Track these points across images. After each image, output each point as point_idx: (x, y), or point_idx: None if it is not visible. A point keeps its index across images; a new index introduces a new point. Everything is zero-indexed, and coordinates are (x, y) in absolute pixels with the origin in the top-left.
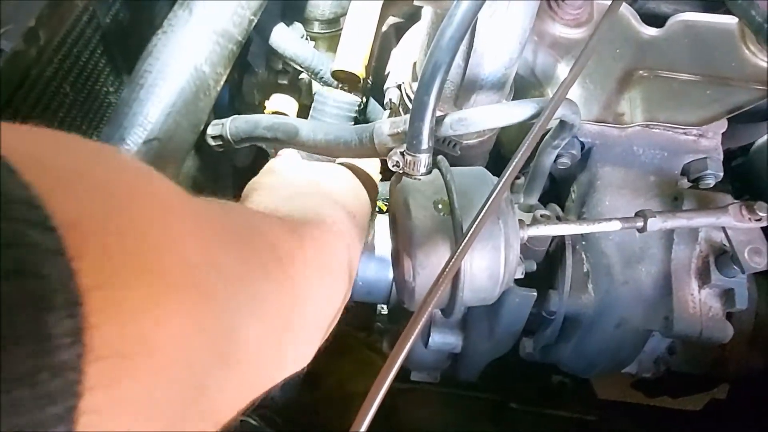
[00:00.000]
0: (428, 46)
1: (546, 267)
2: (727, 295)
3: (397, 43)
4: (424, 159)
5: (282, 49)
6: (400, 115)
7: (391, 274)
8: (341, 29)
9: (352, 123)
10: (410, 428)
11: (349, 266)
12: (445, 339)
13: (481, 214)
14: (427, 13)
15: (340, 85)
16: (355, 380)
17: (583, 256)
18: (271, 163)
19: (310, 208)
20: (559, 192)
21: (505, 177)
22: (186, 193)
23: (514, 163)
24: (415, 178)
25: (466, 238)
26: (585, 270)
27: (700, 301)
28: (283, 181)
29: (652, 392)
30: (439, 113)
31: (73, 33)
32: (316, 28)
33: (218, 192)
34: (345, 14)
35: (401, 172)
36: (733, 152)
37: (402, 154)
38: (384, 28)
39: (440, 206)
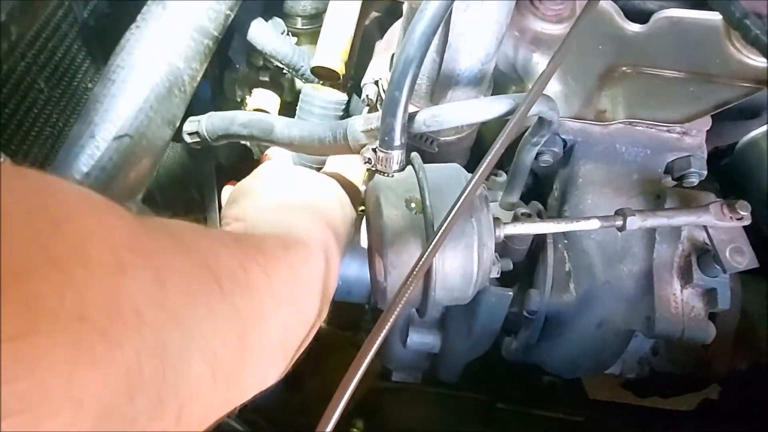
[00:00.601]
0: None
1: (527, 265)
2: (710, 295)
3: (380, 39)
4: (397, 156)
5: (261, 46)
6: (377, 109)
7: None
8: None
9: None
10: (396, 428)
11: (323, 287)
12: (423, 339)
13: (453, 211)
14: (404, 8)
15: (320, 82)
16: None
17: (565, 254)
18: (262, 168)
19: (294, 223)
20: (541, 189)
21: (478, 174)
22: (129, 218)
23: (487, 160)
24: (387, 176)
25: (437, 236)
26: (567, 269)
27: (682, 301)
28: (271, 189)
29: (642, 392)
30: (414, 109)
31: (47, 28)
32: (299, 24)
33: (202, 190)
34: (326, 10)
35: (374, 169)
36: (722, 151)
37: (374, 150)
38: (366, 22)
39: (412, 204)
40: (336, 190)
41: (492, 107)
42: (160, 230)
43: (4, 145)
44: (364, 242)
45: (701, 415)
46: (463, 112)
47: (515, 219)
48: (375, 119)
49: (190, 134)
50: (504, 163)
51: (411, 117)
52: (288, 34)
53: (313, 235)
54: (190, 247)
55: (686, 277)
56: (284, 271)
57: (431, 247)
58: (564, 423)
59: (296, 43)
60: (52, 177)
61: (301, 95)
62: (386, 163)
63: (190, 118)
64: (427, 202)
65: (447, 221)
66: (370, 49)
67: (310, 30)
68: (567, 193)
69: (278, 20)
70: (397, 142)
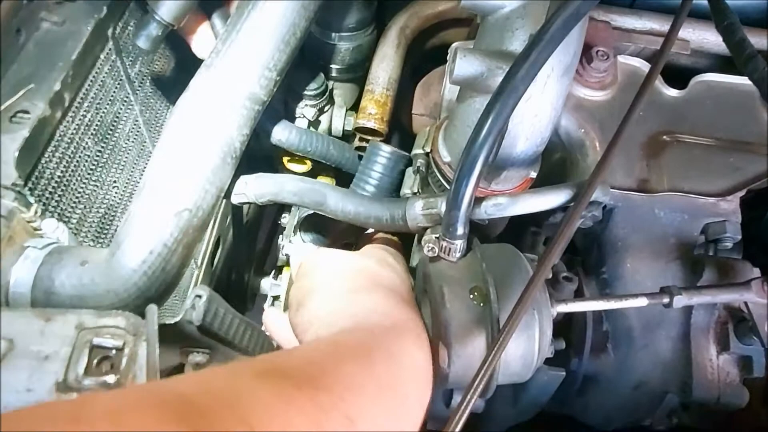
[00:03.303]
0: (454, 117)
1: (566, 323)
2: (745, 362)
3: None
4: (460, 245)
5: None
6: (428, 181)
7: None
8: (358, 75)
9: (401, 175)
10: None
11: (427, 365)
12: None
13: (518, 307)
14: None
15: (359, 136)
16: None
17: (603, 314)
18: (308, 261)
19: (373, 307)
20: (578, 245)
21: (542, 268)
22: None
23: (552, 253)
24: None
25: (504, 334)
26: (604, 328)
27: (718, 367)
28: (334, 277)
29: None
30: None
31: (95, 85)
32: (335, 72)
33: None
34: (364, 60)
35: (436, 255)
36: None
37: (437, 238)
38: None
39: (475, 294)
40: (388, 258)
41: (553, 198)
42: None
43: (54, 206)
44: None
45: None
46: (525, 203)
47: (557, 282)
48: (436, 204)
49: (237, 195)
50: (539, 218)
51: (474, 203)
52: (326, 84)
53: (401, 318)
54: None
55: (723, 344)
56: (390, 375)
57: (498, 345)
58: None
59: (332, 90)
60: None
61: (368, 148)
62: (449, 252)
63: (240, 179)
64: (493, 297)
65: (513, 318)
66: (403, 92)
67: (346, 79)
68: (606, 255)
69: (319, 73)
70: (460, 232)
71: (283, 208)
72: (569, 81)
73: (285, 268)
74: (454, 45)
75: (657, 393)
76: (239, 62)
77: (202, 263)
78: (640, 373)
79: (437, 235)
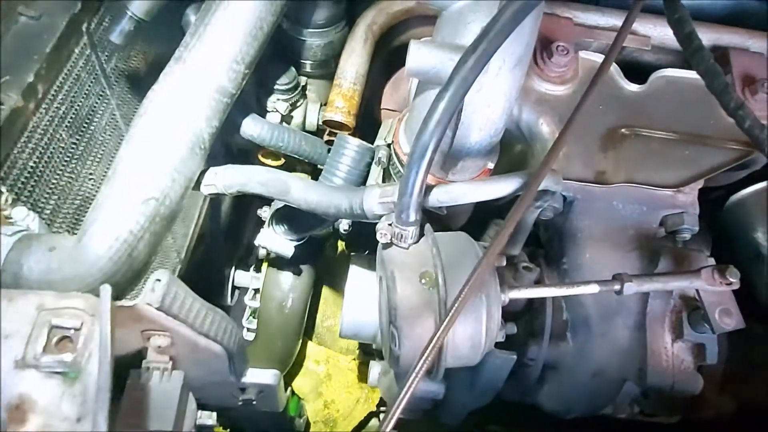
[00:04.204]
0: (413, 108)
1: (526, 312)
2: (699, 350)
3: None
4: (412, 231)
5: (259, 141)
6: (389, 172)
7: (376, 318)
8: (333, 70)
9: (368, 167)
10: None
11: None
12: (427, 388)
13: (465, 290)
14: (413, 80)
15: (329, 130)
16: (338, 403)
17: (563, 304)
18: None
19: None
20: (541, 237)
21: (489, 252)
22: None
23: (499, 239)
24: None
25: (450, 315)
26: (564, 317)
27: (672, 354)
28: None
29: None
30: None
31: (69, 79)
32: (307, 68)
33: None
34: (336, 56)
35: (389, 242)
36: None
37: (390, 225)
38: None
39: (425, 280)
40: None
41: (502, 186)
42: None
43: (27, 195)
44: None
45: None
46: (475, 191)
47: (517, 272)
48: (390, 192)
49: (207, 186)
50: (503, 211)
51: (426, 191)
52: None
53: None
54: None
55: (677, 332)
56: None
57: (444, 325)
58: None
59: (305, 86)
60: None
61: (335, 141)
62: (401, 238)
63: (209, 170)
64: (440, 280)
65: (459, 300)
66: (374, 86)
67: (318, 75)
68: (566, 246)
69: (291, 68)
70: (412, 219)
71: (264, 201)
72: (522, 73)
73: (264, 263)
74: (411, 39)
75: (615, 380)
76: (207, 55)
77: (185, 258)
78: (598, 361)
79: (390, 222)
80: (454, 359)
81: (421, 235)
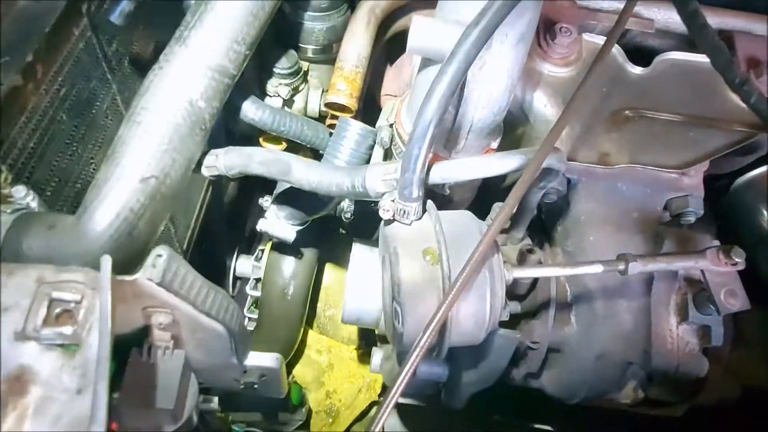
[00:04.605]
0: (415, 87)
1: (530, 295)
2: (704, 332)
3: (387, 62)
4: (415, 207)
5: (264, 125)
6: (392, 152)
7: (378, 303)
8: (335, 55)
9: (370, 150)
10: None
11: None
12: (431, 369)
13: (468, 265)
14: (417, 57)
15: (330, 114)
16: (340, 392)
17: (567, 287)
18: None
19: None
20: (544, 221)
21: (492, 228)
22: None
23: (501, 215)
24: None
25: (453, 291)
26: (568, 301)
27: (677, 337)
28: None
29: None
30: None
31: (69, 61)
32: (309, 53)
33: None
34: (338, 41)
35: (392, 218)
36: (716, 177)
37: (393, 201)
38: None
39: (428, 257)
40: None
41: (505, 163)
42: None
43: (27, 177)
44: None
45: (690, 421)
46: (477, 167)
47: (521, 255)
48: (393, 170)
49: (208, 167)
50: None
51: (427, 169)
52: (298, 64)
53: None
54: None
55: (682, 314)
56: None
57: (447, 301)
58: None
59: (307, 71)
60: None
61: (338, 124)
62: (404, 214)
63: (210, 152)
64: (444, 256)
65: (462, 276)
66: (376, 73)
67: (320, 60)
68: (570, 229)
69: (292, 52)
70: (415, 195)
71: (265, 190)
72: (525, 50)
73: (265, 251)
74: (414, 15)
75: (619, 363)
76: (208, 35)
77: (187, 249)
78: (603, 344)
79: (393, 199)
80: (457, 336)
81: (424, 212)
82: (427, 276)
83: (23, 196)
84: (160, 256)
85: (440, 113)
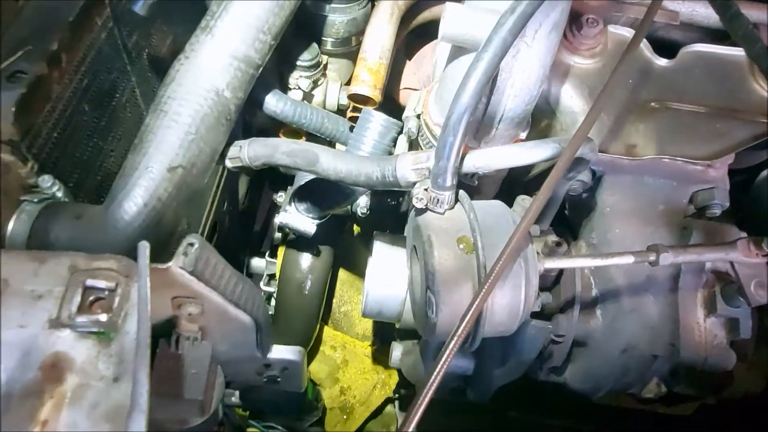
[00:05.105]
0: (445, 77)
1: (555, 289)
2: (732, 324)
3: (405, 56)
4: (448, 196)
5: (285, 118)
6: (419, 143)
7: (400, 295)
8: (354, 48)
9: (393, 143)
10: None
11: None
12: (457, 362)
13: (504, 255)
14: (447, 46)
15: (352, 106)
16: (355, 389)
17: (592, 280)
18: None
19: None
20: (568, 214)
21: (527, 217)
22: None
23: (536, 205)
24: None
25: (490, 280)
26: (594, 294)
27: (705, 329)
28: None
29: (647, 400)
30: None
31: (92, 51)
32: (329, 46)
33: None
34: (358, 34)
35: (424, 207)
36: (735, 172)
37: (426, 190)
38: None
39: (463, 245)
40: None
41: (538, 152)
42: None
43: (51, 167)
44: (391, 264)
45: (700, 420)
46: (511, 155)
47: (546, 247)
48: (425, 158)
49: (231, 159)
50: (530, 188)
51: (461, 158)
52: (320, 56)
53: None
54: None
55: (710, 307)
56: None
57: (484, 290)
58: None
59: (326, 65)
60: None
61: (361, 115)
62: (438, 203)
63: (233, 144)
64: (479, 245)
65: (498, 264)
66: (396, 65)
67: (340, 53)
68: (595, 221)
69: (314, 45)
70: (448, 183)
71: (279, 187)
72: (557, 39)
73: (280, 248)
74: (447, 2)
75: (645, 356)
76: (234, 25)
77: None
78: (628, 337)
79: (426, 187)
80: (491, 327)
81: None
82: (462, 265)
83: (49, 186)
84: (192, 244)
85: (475, 101)
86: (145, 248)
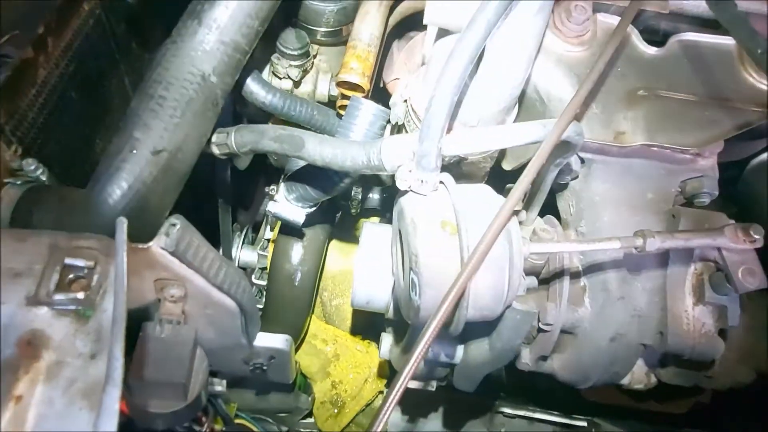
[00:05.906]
0: (431, 60)
1: (543, 278)
2: (720, 313)
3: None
4: (432, 177)
5: (274, 109)
6: (405, 129)
7: (389, 285)
8: (345, 38)
9: (382, 131)
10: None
11: None
12: (444, 350)
13: (487, 236)
14: (433, 30)
15: (341, 95)
16: (346, 383)
17: (581, 269)
18: None
19: None
20: (556, 203)
21: (511, 199)
22: None
23: (521, 186)
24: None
25: (473, 261)
26: (582, 283)
27: (693, 318)
28: None
29: (640, 397)
30: None
31: (79, 37)
32: (319, 36)
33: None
34: (348, 24)
35: (408, 189)
36: (725, 166)
37: (410, 171)
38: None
39: (447, 227)
40: None
41: (523, 133)
42: None
43: (36, 151)
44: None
45: (694, 418)
46: (495, 137)
47: (536, 235)
48: (410, 141)
49: (218, 145)
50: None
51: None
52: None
53: None
54: None
55: (698, 295)
56: None
57: (467, 271)
58: (567, 427)
59: (316, 54)
60: None
61: (349, 103)
62: (422, 185)
63: (219, 130)
64: (462, 226)
65: (482, 245)
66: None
67: (330, 42)
68: (583, 209)
69: (302, 33)
70: (433, 165)
71: (272, 178)
72: (543, 22)
73: (270, 241)
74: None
75: (634, 345)
76: (221, 9)
77: None
78: (617, 325)
79: (410, 169)
80: (475, 310)
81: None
82: (446, 246)
83: (33, 169)
84: (174, 225)
85: (460, 81)
86: (122, 224)
